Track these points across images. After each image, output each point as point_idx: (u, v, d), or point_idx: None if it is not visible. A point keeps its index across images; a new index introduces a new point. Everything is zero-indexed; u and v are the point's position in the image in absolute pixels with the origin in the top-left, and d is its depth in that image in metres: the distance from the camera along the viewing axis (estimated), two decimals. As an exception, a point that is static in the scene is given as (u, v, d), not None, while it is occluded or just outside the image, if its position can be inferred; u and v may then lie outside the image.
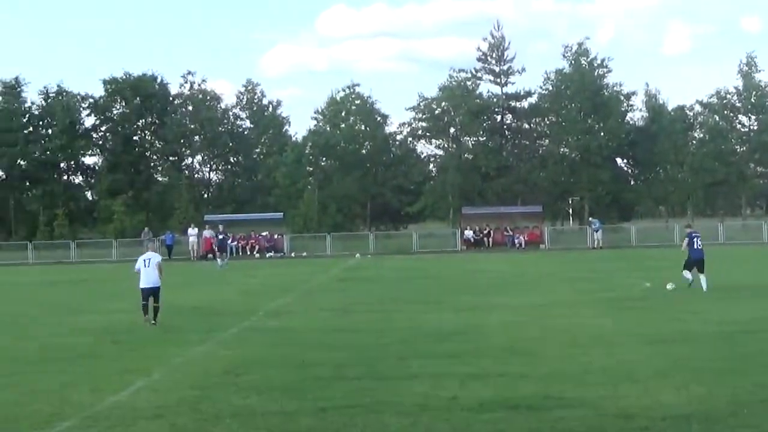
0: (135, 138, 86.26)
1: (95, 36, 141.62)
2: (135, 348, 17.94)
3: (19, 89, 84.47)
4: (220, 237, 52.60)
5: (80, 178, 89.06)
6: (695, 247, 27.68)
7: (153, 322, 21.90)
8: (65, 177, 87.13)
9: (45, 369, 15.26)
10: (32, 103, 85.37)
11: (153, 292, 22.24)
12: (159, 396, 12.81)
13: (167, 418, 11.42)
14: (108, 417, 11.49)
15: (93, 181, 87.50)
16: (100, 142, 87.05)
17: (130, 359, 16.43)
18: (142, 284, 22.30)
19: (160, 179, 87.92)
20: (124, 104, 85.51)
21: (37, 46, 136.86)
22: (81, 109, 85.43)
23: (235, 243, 63.07)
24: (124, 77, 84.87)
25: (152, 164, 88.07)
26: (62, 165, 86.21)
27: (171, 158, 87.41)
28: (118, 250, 65.85)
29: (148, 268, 22.35)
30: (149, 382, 14.06)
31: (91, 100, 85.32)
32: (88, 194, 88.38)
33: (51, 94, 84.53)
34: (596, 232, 61.08)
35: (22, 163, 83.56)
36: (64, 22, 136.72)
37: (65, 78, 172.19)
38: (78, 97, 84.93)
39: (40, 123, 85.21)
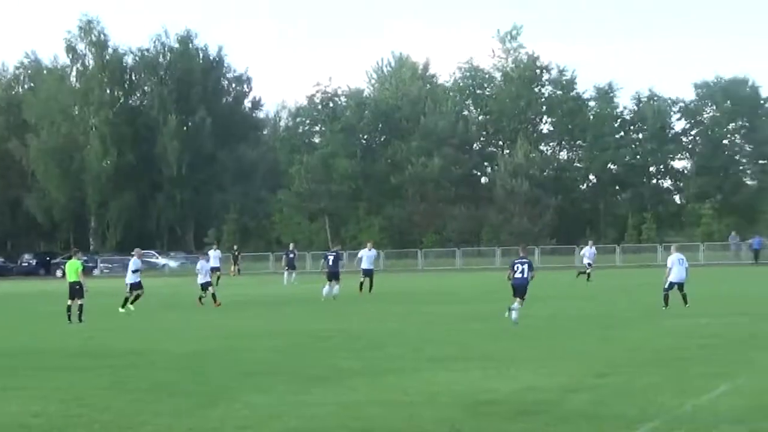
0: (724, 142, 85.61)
1: (686, 40, 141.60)
2: (720, 352, 17.82)
3: (611, 94, 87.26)
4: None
5: (669, 181, 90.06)
6: None
7: None
8: (654, 181, 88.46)
9: (631, 371, 15.58)
10: (624, 108, 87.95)
11: None
12: (742, 400, 12.68)
13: (747, 423, 11.29)
14: (690, 420, 11.48)
15: (681, 184, 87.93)
16: (690, 146, 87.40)
17: (715, 363, 16.38)
18: None
19: (749, 183, 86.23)
20: (714, 108, 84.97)
21: (629, 52, 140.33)
22: (671, 113, 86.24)
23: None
24: (715, 81, 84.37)
25: (741, 168, 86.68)
26: (651, 169, 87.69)
27: (761, 161, 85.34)
28: (704, 254, 65.63)
29: None
30: (734, 386, 13.93)
31: (682, 104, 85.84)
32: (676, 198, 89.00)
33: (642, 99, 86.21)
34: None
35: (612, 167, 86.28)
36: (654, 28, 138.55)
37: (656, 83, 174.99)
38: (669, 101, 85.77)
39: (631, 127, 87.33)
